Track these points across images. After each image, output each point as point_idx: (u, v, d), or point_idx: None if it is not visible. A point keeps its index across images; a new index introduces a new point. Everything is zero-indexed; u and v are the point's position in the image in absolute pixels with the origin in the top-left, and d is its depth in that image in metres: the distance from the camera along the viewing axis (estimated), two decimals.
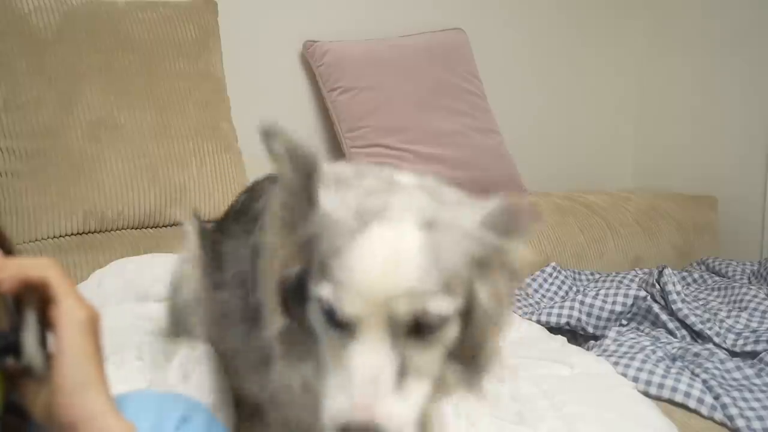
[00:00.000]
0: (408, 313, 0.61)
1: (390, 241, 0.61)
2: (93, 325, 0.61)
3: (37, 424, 0.61)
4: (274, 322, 0.69)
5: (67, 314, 0.59)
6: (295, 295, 0.67)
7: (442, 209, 0.65)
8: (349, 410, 0.60)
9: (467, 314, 0.65)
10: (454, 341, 0.66)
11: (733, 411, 1.23)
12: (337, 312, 0.62)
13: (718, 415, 1.24)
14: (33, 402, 0.60)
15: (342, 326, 0.63)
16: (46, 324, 0.60)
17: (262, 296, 0.72)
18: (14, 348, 0.59)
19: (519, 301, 1.72)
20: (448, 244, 0.63)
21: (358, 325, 0.62)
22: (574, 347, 1.46)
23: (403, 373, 0.62)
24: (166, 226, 1.65)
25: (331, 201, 0.65)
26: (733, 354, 1.50)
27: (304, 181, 0.65)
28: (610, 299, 1.64)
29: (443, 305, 0.62)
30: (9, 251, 0.65)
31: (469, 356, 0.68)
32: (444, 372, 0.67)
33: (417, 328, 0.62)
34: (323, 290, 0.62)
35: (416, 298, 0.61)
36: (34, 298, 0.60)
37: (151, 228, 1.64)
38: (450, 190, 0.70)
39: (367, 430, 0.59)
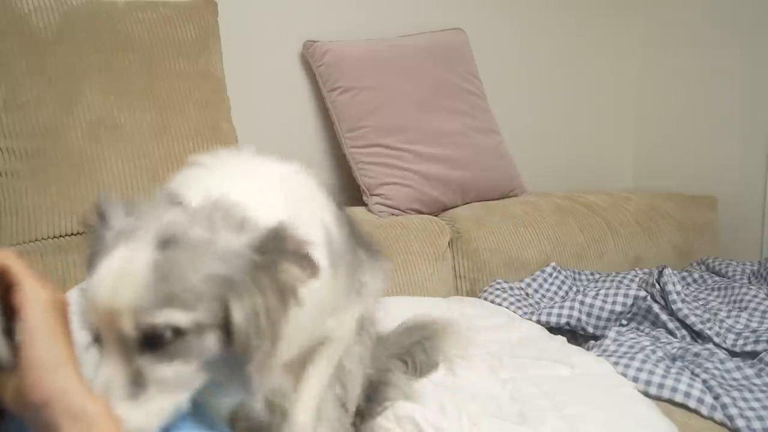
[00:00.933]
0: (132, 326, 0.64)
1: (122, 259, 0.65)
2: (59, 306, 0.62)
3: (17, 421, 0.61)
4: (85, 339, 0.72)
5: (30, 295, 0.60)
6: None
7: (191, 229, 0.68)
8: None
9: (228, 331, 0.67)
10: (215, 352, 0.68)
11: (733, 411, 1.23)
12: (83, 324, 0.67)
13: (718, 415, 1.24)
14: (4, 393, 0.60)
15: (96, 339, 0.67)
16: (10, 314, 0.61)
17: None
18: None
19: (519, 301, 1.73)
20: (184, 263, 0.66)
21: (101, 338, 0.66)
22: (574, 347, 1.46)
23: (140, 383, 0.65)
24: None
25: (109, 229, 0.70)
26: (733, 354, 1.50)
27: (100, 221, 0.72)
28: (610, 299, 1.64)
29: (174, 318, 0.65)
30: None
31: (241, 373, 0.70)
32: (221, 381, 0.70)
33: (152, 343, 0.65)
34: (80, 303, 0.67)
35: (138, 313, 0.64)
36: None
37: None
38: (235, 214, 0.72)
39: None
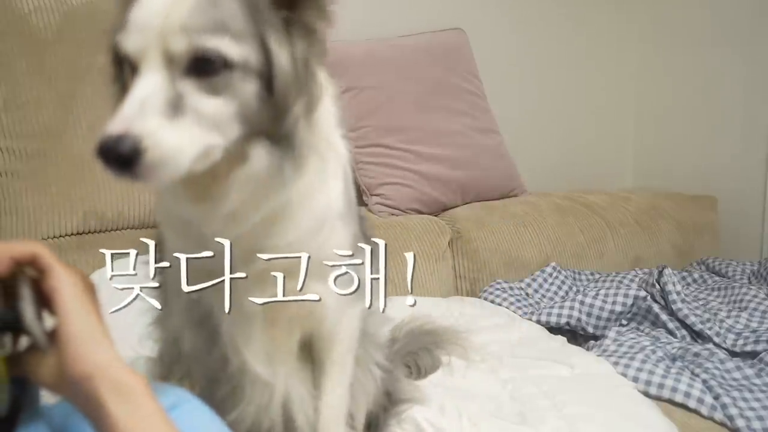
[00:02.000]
0: (184, 47, 0.64)
1: None
2: (88, 286, 0.62)
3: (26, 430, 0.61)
4: (112, 88, 0.75)
5: (61, 277, 0.60)
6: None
7: None
8: (108, 126, 0.62)
9: (269, 81, 0.68)
10: (253, 106, 0.68)
11: (733, 411, 1.23)
12: (122, 50, 0.67)
13: (718, 415, 1.24)
14: (41, 374, 0.60)
15: (133, 70, 0.67)
16: (40, 301, 0.61)
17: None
18: (12, 326, 0.60)
19: (519, 301, 1.73)
20: None
21: (140, 61, 0.65)
22: (574, 347, 1.46)
23: (179, 107, 0.64)
24: None
25: None
26: (733, 354, 1.50)
27: None
28: (610, 299, 1.64)
29: (222, 44, 0.65)
30: None
31: (277, 133, 0.70)
32: (248, 145, 0.69)
33: (200, 69, 0.65)
34: (115, 35, 0.68)
35: (190, 33, 0.64)
36: (26, 277, 0.62)
37: (152, 227, 1.64)
38: None
39: (122, 142, 0.61)
